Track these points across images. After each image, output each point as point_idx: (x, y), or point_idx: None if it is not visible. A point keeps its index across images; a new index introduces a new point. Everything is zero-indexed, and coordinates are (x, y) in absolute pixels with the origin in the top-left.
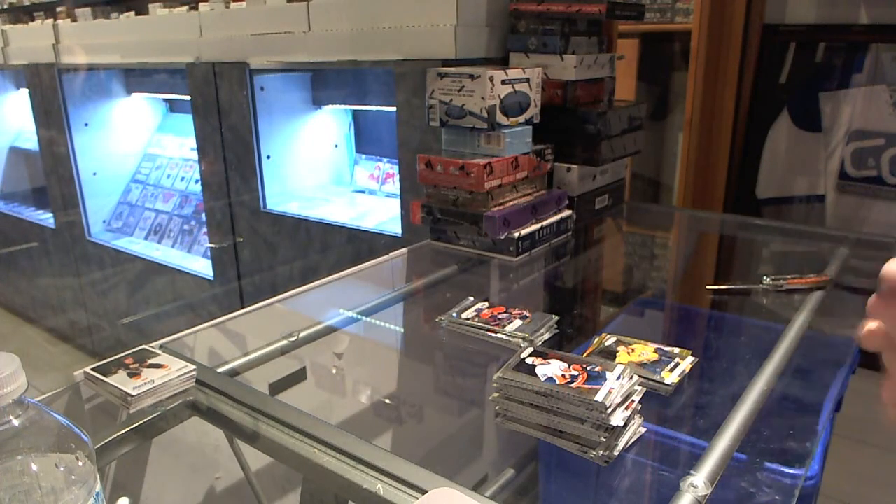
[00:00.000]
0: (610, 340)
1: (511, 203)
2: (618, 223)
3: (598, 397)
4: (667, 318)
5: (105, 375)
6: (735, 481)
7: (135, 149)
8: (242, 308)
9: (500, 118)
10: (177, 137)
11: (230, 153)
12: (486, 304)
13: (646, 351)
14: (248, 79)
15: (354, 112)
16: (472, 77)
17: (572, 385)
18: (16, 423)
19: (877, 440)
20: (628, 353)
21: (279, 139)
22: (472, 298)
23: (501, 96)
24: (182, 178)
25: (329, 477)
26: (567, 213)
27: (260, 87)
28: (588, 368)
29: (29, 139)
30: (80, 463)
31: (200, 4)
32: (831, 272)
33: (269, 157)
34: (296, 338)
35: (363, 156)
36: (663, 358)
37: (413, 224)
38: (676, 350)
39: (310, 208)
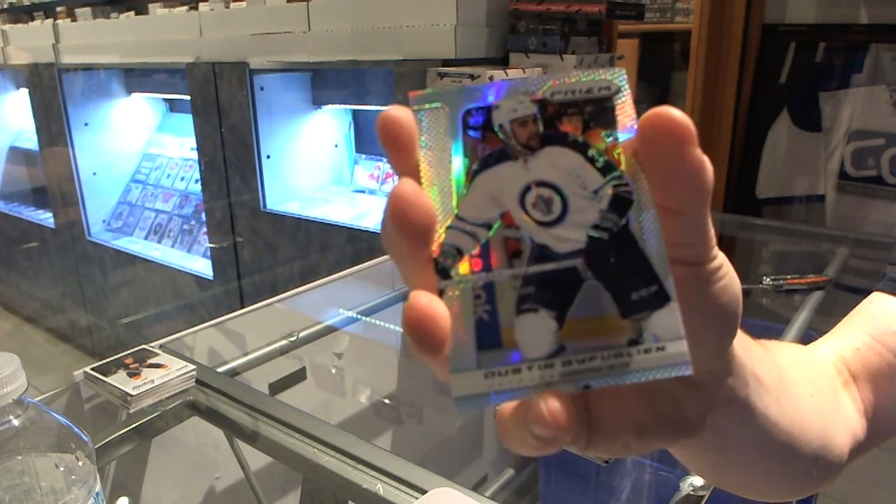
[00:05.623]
0: None
1: None
2: None
3: None
4: None
5: (105, 375)
6: None
7: (135, 149)
8: (242, 308)
9: None
10: (177, 137)
11: (230, 153)
12: None
13: None
14: (248, 79)
15: (354, 112)
16: (471, 77)
17: None
18: (16, 423)
19: None
20: None
21: (279, 139)
22: None
23: None
24: (182, 178)
25: (329, 477)
26: None
27: (260, 87)
28: None
29: (29, 139)
30: (80, 463)
31: (200, 4)
32: (831, 272)
33: (268, 156)
34: (295, 338)
35: (363, 156)
36: None
37: None
38: None
39: (310, 208)
